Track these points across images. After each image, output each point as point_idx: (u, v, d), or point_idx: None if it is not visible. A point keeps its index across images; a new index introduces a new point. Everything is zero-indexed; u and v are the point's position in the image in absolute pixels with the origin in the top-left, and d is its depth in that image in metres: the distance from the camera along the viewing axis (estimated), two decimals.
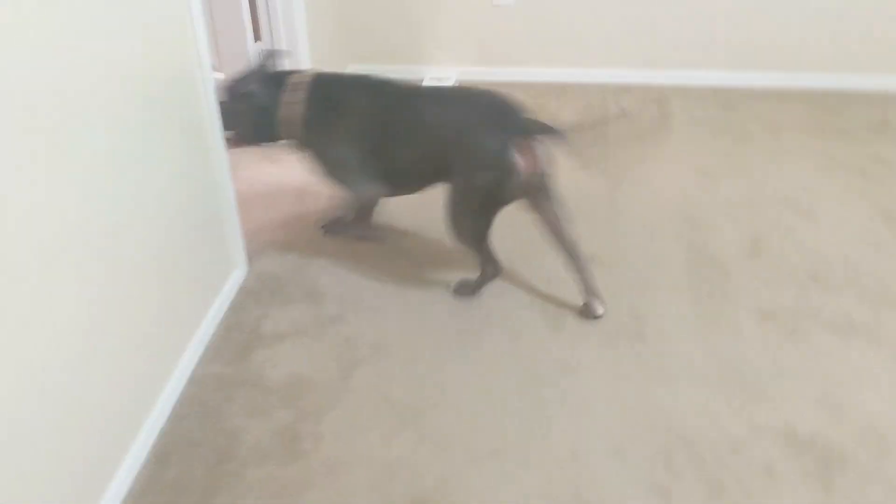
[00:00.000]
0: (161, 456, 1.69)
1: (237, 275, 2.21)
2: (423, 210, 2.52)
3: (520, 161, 1.90)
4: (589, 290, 2.10)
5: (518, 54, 3.38)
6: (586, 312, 2.10)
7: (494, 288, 2.19)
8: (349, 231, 2.43)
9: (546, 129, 1.96)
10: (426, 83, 3.41)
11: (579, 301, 2.09)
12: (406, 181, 2.13)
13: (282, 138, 2.12)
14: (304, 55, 2.78)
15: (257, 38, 2.76)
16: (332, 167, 2.11)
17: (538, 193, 2.03)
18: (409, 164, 2.06)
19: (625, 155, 2.83)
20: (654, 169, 2.77)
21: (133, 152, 1.60)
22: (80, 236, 1.42)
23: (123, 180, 1.56)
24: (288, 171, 2.81)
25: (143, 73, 1.63)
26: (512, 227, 2.41)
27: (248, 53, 2.72)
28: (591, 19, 3.26)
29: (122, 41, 1.53)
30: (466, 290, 2.18)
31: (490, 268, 2.13)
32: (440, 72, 3.45)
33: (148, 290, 1.70)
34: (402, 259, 2.33)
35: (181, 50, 1.82)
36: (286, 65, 2.38)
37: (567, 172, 2.71)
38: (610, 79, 3.38)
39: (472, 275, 2.15)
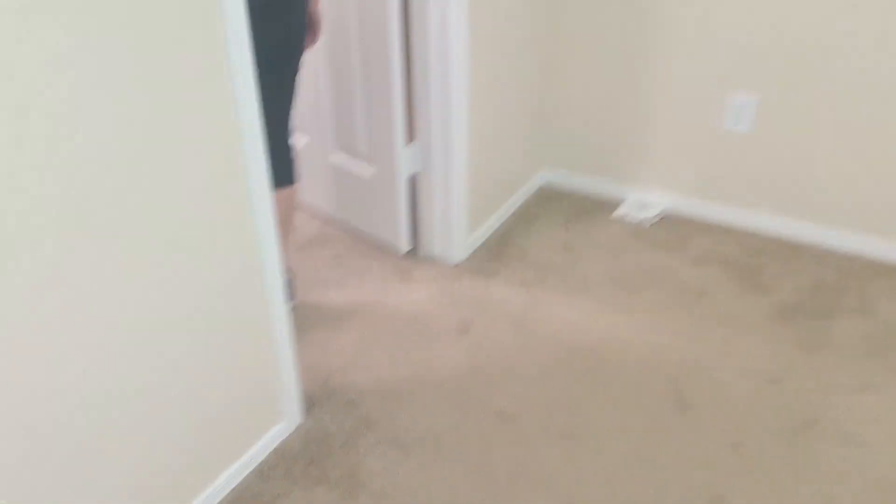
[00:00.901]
0: None
1: (280, 429, 1.87)
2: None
3: None
4: None
5: (745, 194, 2.68)
6: None
7: None
8: None
9: None
10: (627, 206, 2.84)
11: None
12: None
13: None
14: (460, 156, 2.39)
15: (411, 138, 2.42)
16: None
17: None
18: None
19: (841, 382, 2.06)
20: (873, 415, 1.97)
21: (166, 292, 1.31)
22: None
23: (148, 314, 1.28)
24: (417, 294, 2.42)
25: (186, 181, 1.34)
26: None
27: (400, 155, 2.39)
28: (852, 166, 2.47)
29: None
30: None
31: None
32: (646, 195, 2.86)
33: (147, 446, 1.41)
34: (471, 468, 1.83)
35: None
36: None
37: (744, 387, 2.02)
38: (861, 249, 2.55)
39: None
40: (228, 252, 1.56)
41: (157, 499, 1.56)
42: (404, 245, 2.58)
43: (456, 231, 2.50)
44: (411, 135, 2.42)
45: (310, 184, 2.80)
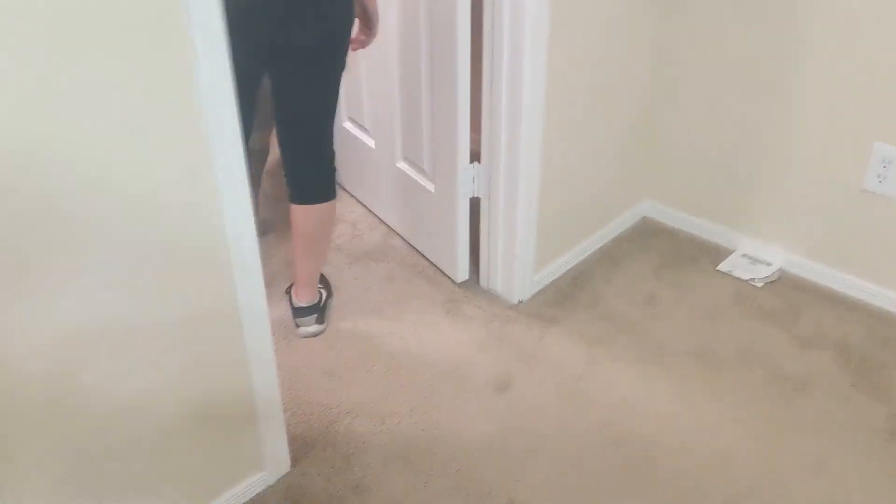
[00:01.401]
0: None
1: (259, 479, 1.66)
2: None
3: None
4: None
5: (881, 265, 2.17)
6: None
7: None
8: None
9: None
10: (736, 258, 2.41)
11: None
12: None
13: None
14: (528, 181, 2.07)
15: (474, 159, 2.12)
16: None
17: None
18: None
19: None
20: None
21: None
22: None
23: None
24: (462, 334, 2.14)
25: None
26: None
27: (461, 175, 2.10)
28: None
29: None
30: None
31: None
32: (760, 249, 2.41)
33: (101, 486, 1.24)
34: None
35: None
36: None
37: None
38: None
39: None
40: (197, 281, 1.35)
41: None
42: (461, 274, 2.30)
43: (519, 265, 2.18)
44: (476, 153, 2.12)
45: (375, 191, 2.56)
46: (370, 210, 2.66)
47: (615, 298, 2.27)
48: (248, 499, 1.65)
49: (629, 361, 2.04)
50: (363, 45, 1.94)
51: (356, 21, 1.87)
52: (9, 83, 1.00)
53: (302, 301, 2.10)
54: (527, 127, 1.96)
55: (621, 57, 2.21)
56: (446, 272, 2.34)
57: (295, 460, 1.74)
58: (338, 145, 1.99)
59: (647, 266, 2.41)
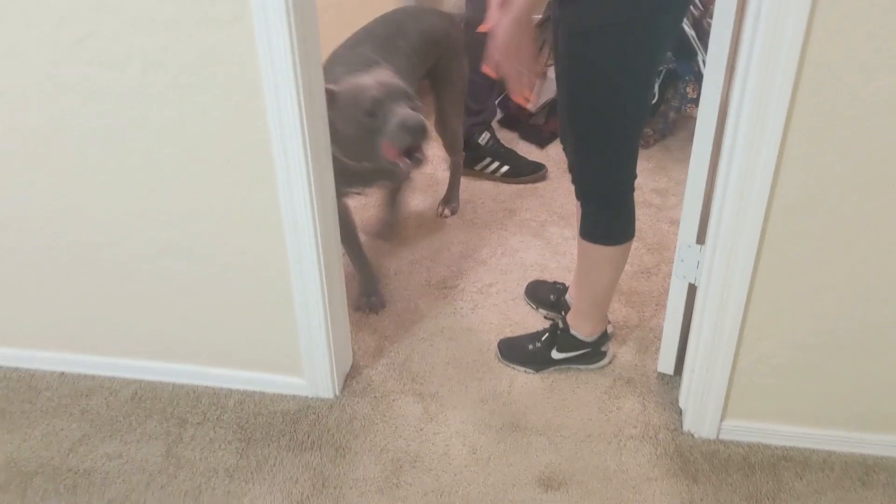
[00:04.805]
0: None
1: (293, 383, 1.84)
2: None
3: None
4: None
5: None
6: None
7: None
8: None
9: None
10: None
11: None
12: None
13: None
14: (732, 269, 1.55)
15: (700, 240, 1.63)
16: None
17: None
18: None
19: None
20: None
21: None
22: None
23: None
24: (590, 415, 1.82)
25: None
26: None
27: (680, 253, 1.69)
28: None
29: None
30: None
31: None
32: None
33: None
34: None
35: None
36: None
37: None
38: None
39: None
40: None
41: None
42: (662, 364, 1.90)
43: (699, 388, 1.71)
44: (700, 238, 1.67)
45: None
46: None
47: None
48: (277, 392, 1.86)
49: None
50: None
51: None
52: None
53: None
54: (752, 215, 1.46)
55: None
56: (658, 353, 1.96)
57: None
58: None
59: None
